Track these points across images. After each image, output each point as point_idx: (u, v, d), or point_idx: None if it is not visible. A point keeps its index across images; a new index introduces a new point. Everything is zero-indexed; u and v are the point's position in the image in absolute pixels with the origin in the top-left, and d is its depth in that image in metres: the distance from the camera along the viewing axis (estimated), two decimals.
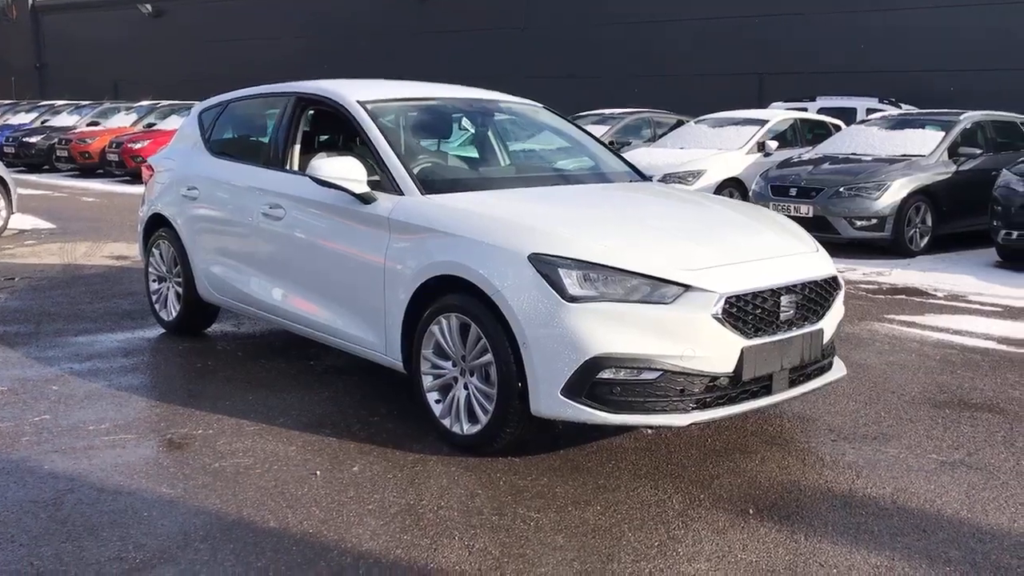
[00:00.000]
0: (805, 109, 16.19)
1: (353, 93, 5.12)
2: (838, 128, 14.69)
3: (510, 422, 3.98)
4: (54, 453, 4.12)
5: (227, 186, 5.66)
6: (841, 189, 10.33)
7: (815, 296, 4.17)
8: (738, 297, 3.85)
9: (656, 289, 3.75)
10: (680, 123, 16.04)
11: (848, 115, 15.84)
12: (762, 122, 13.42)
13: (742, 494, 3.73)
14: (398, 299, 4.37)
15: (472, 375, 4.13)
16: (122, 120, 23.72)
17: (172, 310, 6.24)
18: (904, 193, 10.24)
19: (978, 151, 11.00)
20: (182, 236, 5.99)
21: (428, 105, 5.50)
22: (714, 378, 3.83)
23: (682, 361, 3.75)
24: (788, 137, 13.64)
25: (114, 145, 20.44)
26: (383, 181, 4.62)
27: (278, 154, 5.40)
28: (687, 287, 3.76)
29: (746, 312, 3.87)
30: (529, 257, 3.85)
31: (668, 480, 3.87)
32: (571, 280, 3.77)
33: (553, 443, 4.25)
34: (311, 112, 5.48)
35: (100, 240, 10.85)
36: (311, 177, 4.61)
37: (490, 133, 5.59)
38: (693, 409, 3.81)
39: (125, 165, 19.95)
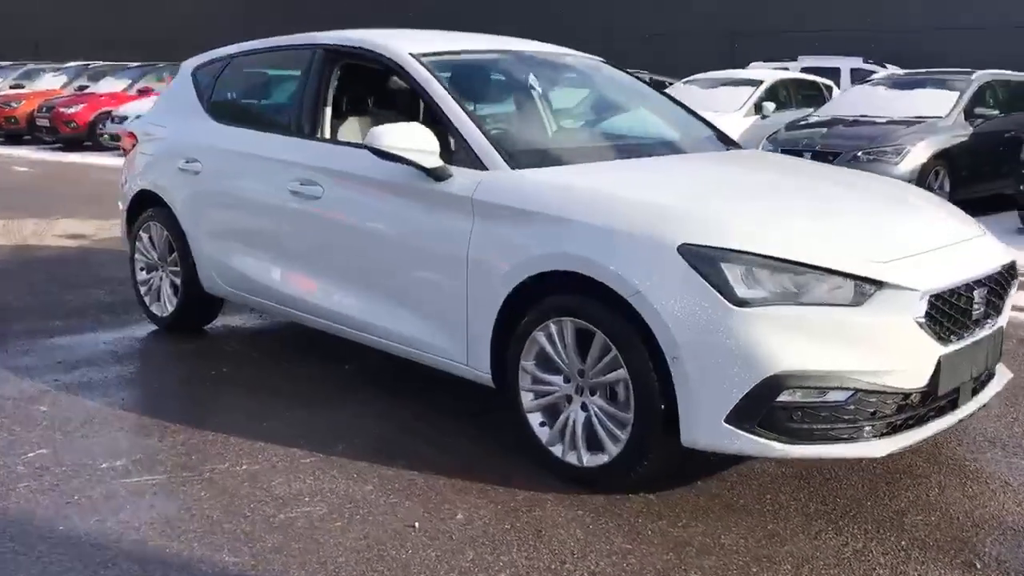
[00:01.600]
0: (787, 69, 15.59)
1: (404, 45, 4.23)
2: (829, 89, 14.14)
3: (649, 454, 3.21)
4: (67, 506, 3.22)
5: (240, 157, 4.73)
6: (859, 154, 9.71)
7: (998, 288, 3.47)
8: (939, 295, 3.12)
9: (846, 288, 2.99)
10: (654, 83, 15.28)
11: (832, 75, 15.31)
12: (756, 83, 12.75)
13: (948, 537, 3.04)
14: (487, 298, 3.55)
15: (594, 394, 3.34)
16: (50, 82, 22.08)
17: (167, 304, 5.29)
18: (925, 157, 9.67)
19: (995, 112, 10.51)
20: (180, 217, 5.04)
21: (492, 59, 4.62)
22: (907, 395, 3.11)
23: (878, 377, 3.01)
24: (781, 98, 13.02)
25: (44, 109, 18.89)
26: (457, 153, 3.76)
27: (306, 120, 4.48)
28: (881, 284, 3.01)
29: (943, 313, 3.15)
30: (679, 249, 3.06)
31: (849, 521, 3.15)
32: (738, 278, 2.99)
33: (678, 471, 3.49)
34: (341, 69, 4.56)
35: (47, 216, 9.69)
36: (371, 148, 3.73)
37: (566, 94, 4.75)
38: (884, 434, 3.08)
39: (57, 131, 18.47)
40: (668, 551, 2.94)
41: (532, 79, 4.58)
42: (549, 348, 3.41)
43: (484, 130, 3.78)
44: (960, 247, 3.39)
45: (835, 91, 14.01)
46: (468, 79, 4.29)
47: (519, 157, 3.72)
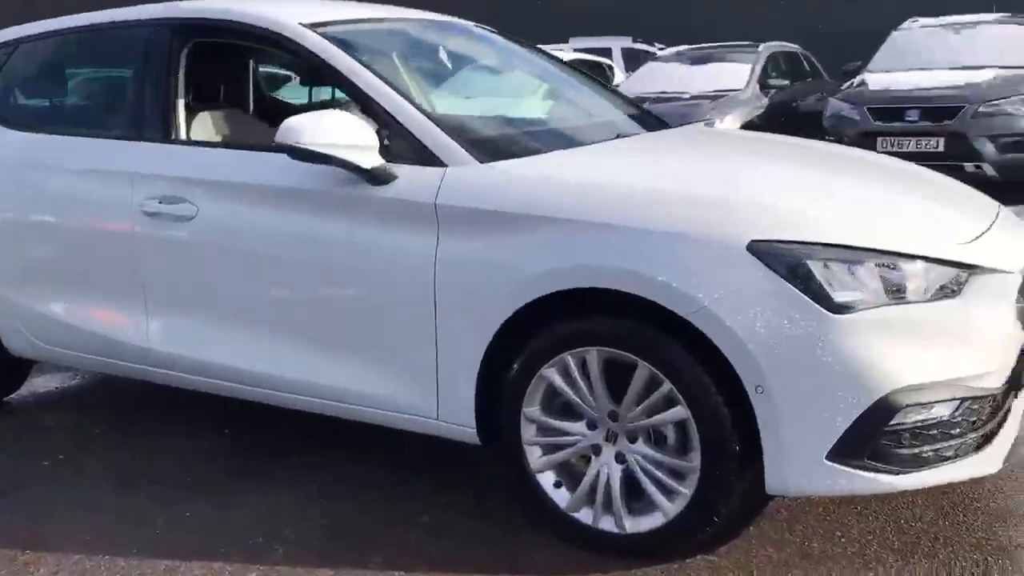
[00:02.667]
0: (560, 51, 15.43)
1: (288, 13, 3.26)
2: (611, 68, 14.09)
3: (722, 509, 2.55)
4: None
5: (58, 173, 3.54)
6: None
7: None
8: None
9: (943, 277, 2.47)
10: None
11: (604, 55, 15.31)
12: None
13: None
14: (469, 332, 2.73)
15: (634, 440, 2.63)
16: None
17: None
18: (734, 129, 9.70)
19: (785, 81, 10.77)
20: None
21: (399, 30, 3.71)
22: (994, 396, 2.65)
23: (982, 380, 2.52)
24: None
25: None
26: (395, 149, 2.89)
27: (152, 118, 3.38)
28: (974, 268, 2.52)
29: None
30: (750, 248, 2.41)
31: (942, 548, 2.66)
32: (832, 279, 2.39)
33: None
34: (195, 50, 3.49)
35: None
36: (286, 147, 2.78)
37: (482, 68, 3.94)
38: (984, 445, 2.60)
39: None
40: None
41: (442, 53, 3.75)
42: (566, 387, 2.65)
43: (433, 116, 2.93)
44: (998, 223, 2.98)
45: (616, 71, 13.97)
46: (384, 55, 3.38)
47: (484, 147, 2.91)
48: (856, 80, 9.73)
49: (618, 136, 3.40)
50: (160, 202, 3.23)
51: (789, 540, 2.75)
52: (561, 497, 2.74)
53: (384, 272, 2.85)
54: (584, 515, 2.71)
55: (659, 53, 12.66)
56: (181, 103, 3.41)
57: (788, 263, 2.38)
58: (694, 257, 2.44)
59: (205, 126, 3.56)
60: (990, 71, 9.14)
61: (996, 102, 8.68)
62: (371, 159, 2.80)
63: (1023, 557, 2.61)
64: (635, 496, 2.65)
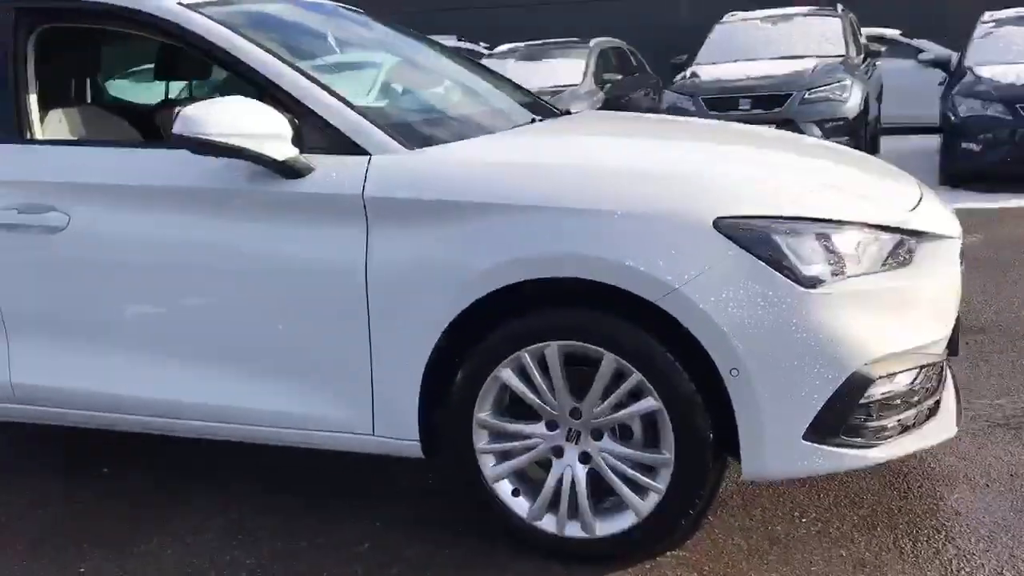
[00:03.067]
0: None
1: None
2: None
3: (697, 499, 2.43)
4: None
5: None
6: None
7: None
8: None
9: (898, 245, 2.44)
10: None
11: None
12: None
13: None
14: (409, 338, 2.47)
15: (599, 437, 2.46)
16: None
17: None
18: None
19: (617, 76, 10.96)
20: None
21: (283, 10, 3.34)
22: (941, 362, 2.66)
23: (936, 346, 2.52)
24: None
25: None
26: (309, 138, 2.58)
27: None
28: (922, 235, 2.51)
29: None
30: (717, 225, 2.29)
31: (926, 524, 2.65)
32: (799, 253, 2.30)
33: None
34: (44, 37, 3.02)
35: None
36: (190, 140, 2.42)
37: (373, 52, 3.63)
38: (935, 411, 2.60)
39: None
40: None
41: (331, 38, 3.43)
42: (523, 387, 2.46)
43: (349, 102, 2.65)
44: (927, 192, 3.01)
45: None
46: (274, 37, 3.03)
47: (408, 133, 2.66)
48: (687, 72, 10.02)
49: (534, 120, 3.23)
50: (19, 212, 2.79)
51: (752, 527, 2.67)
52: (520, 506, 2.54)
53: (305, 277, 2.55)
54: (547, 523, 2.52)
55: (492, 51, 12.61)
56: (34, 98, 2.96)
57: (756, 239, 2.28)
58: (660, 239, 2.30)
59: (62, 123, 3.12)
60: (810, 60, 9.64)
61: (819, 89, 9.15)
62: (285, 149, 2.50)
63: (976, 516, 2.64)
64: (600, 498, 2.49)
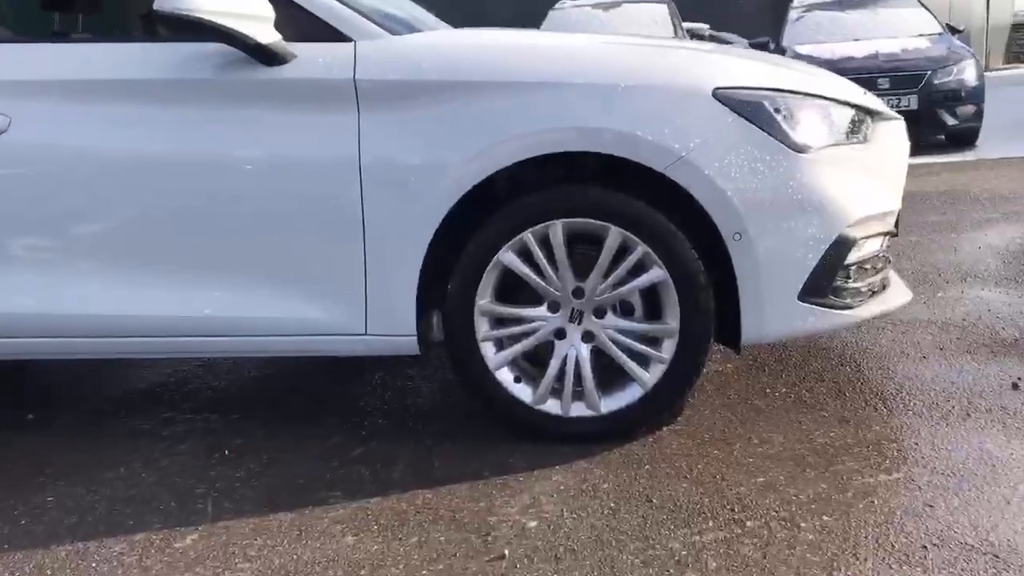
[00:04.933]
0: None
1: None
2: None
3: (702, 366, 2.51)
4: None
5: None
6: None
7: None
8: None
9: (861, 121, 2.62)
10: None
11: None
12: None
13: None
14: (407, 224, 2.42)
15: (601, 315, 2.50)
16: None
17: None
18: None
19: None
20: None
21: None
22: (894, 234, 2.87)
23: (892, 216, 2.72)
24: None
25: None
26: (286, 27, 2.47)
27: None
28: (878, 114, 2.71)
29: None
30: (716, 95, 2.39)
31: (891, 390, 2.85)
32: (788, 122, 2.43)
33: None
34: None
35: None
36: (171, 16, 2.26)
37: None
38: (889, 280, 2.81)
39: None
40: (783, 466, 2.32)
41: None
42: (526, 270, 2.45)
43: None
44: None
45: None
46: None
47: (390, 21, 2.61)
48: None
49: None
50: None
51: (732, 403, 2.78)
52: (524, 392, 2.53)
53: (291, 171, 2.44)
54: (552, 406, 2.53)
55: None
56: None
57: (752, 108, 2.40)
58: (665, 109, 2.37)
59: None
60: None
61: None
62: (268, 32, 2.39)
63: (929, 378, 2.87)
64: (608, 374, 2.52)
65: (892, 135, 2.73)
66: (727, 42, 13.20)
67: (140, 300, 2.54)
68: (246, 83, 2.44)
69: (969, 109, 8.78)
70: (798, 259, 2.43)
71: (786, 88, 2.48)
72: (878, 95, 8.67)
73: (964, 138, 8.91)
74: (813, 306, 2.47)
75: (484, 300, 2.49)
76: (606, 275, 2.45)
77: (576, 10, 11.09)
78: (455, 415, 2.80)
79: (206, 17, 2.28)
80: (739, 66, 2.55)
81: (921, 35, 9.46)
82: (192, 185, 2.47)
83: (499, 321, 2.52)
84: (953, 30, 10.00)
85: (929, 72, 8.72)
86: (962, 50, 9.23)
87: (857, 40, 9.46)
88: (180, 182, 2.48)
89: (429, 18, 3.27)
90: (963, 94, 8.77)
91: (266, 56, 2.41)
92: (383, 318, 2.50)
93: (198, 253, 2.51)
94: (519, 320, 2.51)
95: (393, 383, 3.10)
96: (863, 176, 2.56)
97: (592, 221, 2.42)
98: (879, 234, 2.63)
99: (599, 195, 2.42)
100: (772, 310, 2.44)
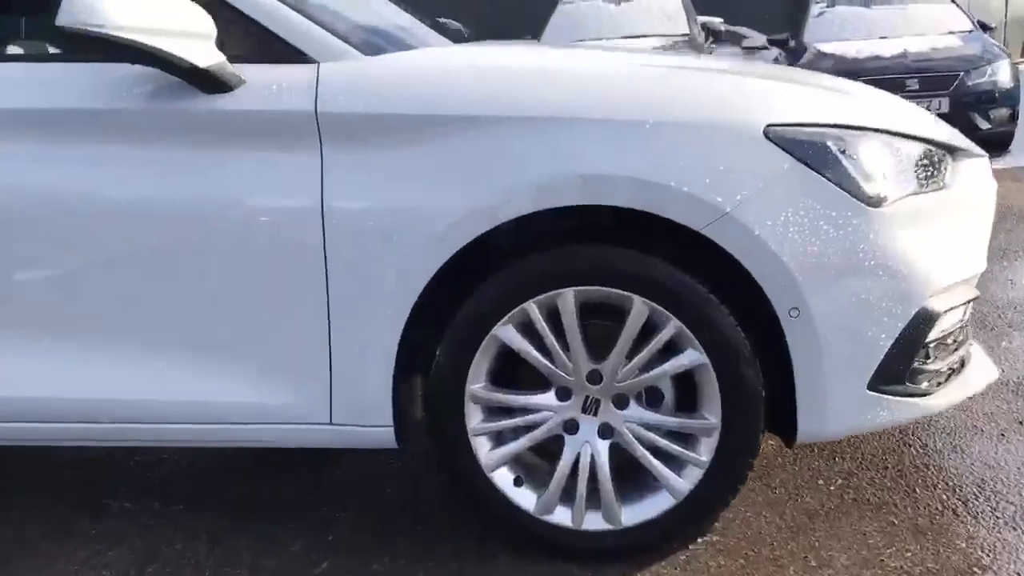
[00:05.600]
0: None
1: None
2: None
3: (747, 471, 2.02)
4: None
5: None
6: None
7: None
8: None
9: (940, 162, 2.12)
10: None
11: None
12: None
13: None
14: (384, 292, 1.93)
15: (623, 405, 2.01)
16: None
17: None
18: None
19: None
20: None
21: None
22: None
23: (977, 277, 2.23)
24: None
25: None
26: (234, 44, 1.98)
27: None
28: (961, 152, 2.21)
29: None
30: (769, 133, 1.89)
31: (966, 473, 2.36)
32: (862, 166, 1.94)
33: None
34: None
35: None
36: (78, 33, 1.77)
37: None
38: (970, 352, 2.31)
39: None
40: None
41: None
42: (529, 348, 1.96)
43: (291, 2, 2.05)
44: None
45: None
46: None
47: (361, 38, 2.11)
48: None
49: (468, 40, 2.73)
50: None
51: (778, 500, 2.30)
52: (526, 498, 2.05)
53: (239, 220, 1.95)
54: (561, 515, 2.04)
55: None
56: None
57: (814, 150, 1.90)
58: (704, 152, 1.87)
59: None
60: (656, 40, 9.55)
61: None
62: (208, 53, 1.90)
63: (1012, 465, 2.38)
64: (629, 478, 2.04)
65: (977, 177, 2.23)
66: (743, 36, 12.70)
67: (54, 380, 2.06)
68: (181, 115, 1.95)
69: (1004, 112, 8.24)
70: (869, 340, 1.93)
71: (854, 123, 1.99)
72: (906, 97, 8.49)
73: (998, 143, 8.35)
74: (885, 396, 1.98)
75: (477, 385, 2.00)
76: (629, 356, 1.96)
77: (586, 4, 10.56)
78: (440, 516, 2.32)
79: (121, 35, 1.79)
80: (796, 96, 2.05)
81: (951, 33, 8.92)
82: (108, 241, 1.98)
83: (496, 410, 2.04)
84: (984, 27, 9.46)
85: (962, 73, 8.18)
86: (995, 49, 8.68)
87: (884, 38, 8.92)
88: (92, 236, 1.98)
89: (421, 30, 2.75)
90: (997, 96, 8.23)
91: (205, 82, 1.91)
92: (351, 405, 2.01)
93: (118, 324, 2.02)
94: (522, 410, 2.03)
95: (364, 469, 2.62)
96: (947, 232, 2.06)
97: (612, 290, 1.93)
98: (964, 303, 2.13)
99: (620, 257, 1.92)
100: (836, 402, 1.94)
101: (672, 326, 1.92)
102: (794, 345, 1.91)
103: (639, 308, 1.92)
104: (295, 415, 2.04)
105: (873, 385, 1.96)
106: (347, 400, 2.01)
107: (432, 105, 1.92)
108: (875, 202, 1.91)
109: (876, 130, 1.99)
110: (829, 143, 1.91)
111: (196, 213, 1.95)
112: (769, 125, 1.89)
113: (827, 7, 9.86)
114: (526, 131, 1.89)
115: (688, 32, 9.82)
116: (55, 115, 1.99)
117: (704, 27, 11.57)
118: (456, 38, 2.89)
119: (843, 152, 1.91)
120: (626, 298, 1.92)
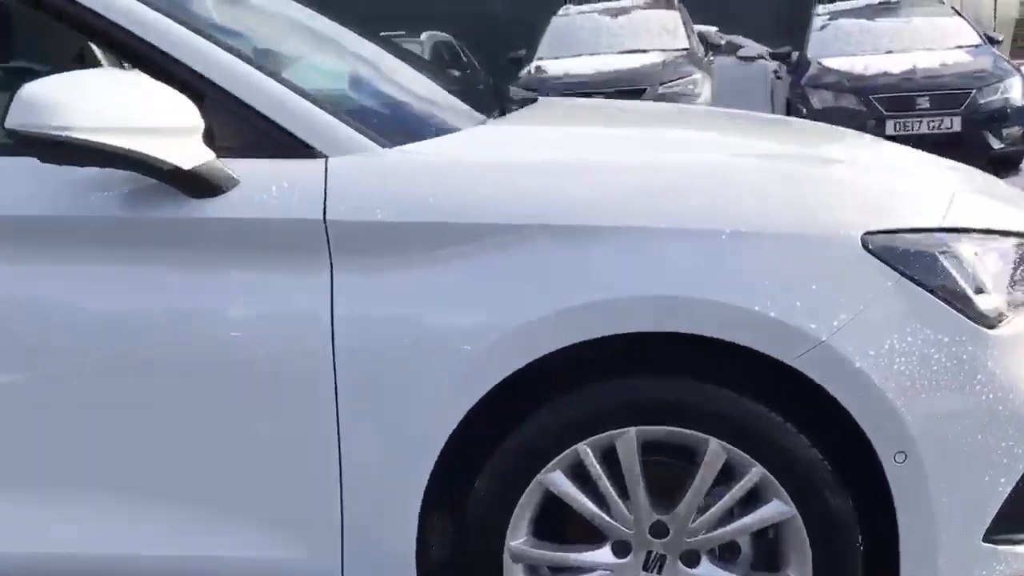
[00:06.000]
0: None
1: None
2: None
3: None
4: None
5: None
6: None
7: None
8: None
9: None
10: None
11: None
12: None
13: None
14: (404, 434, 1.60)
15: (694, 562, 1.68)
16: None
17: None
18: None
19: (456, 72, 10.19)
20: None
21: None
22: None
23: None
24: None
25: None
26: (225, 136, 1.64)
27: None
28: None
29: None
30: (867, 243, 1.58)
31: None
32: (976, 278, 1.63)
33: None
34: None
35: None
36: (32, 138, 1.44)
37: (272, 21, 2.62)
38: None
39: None
40: None
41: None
42: (581, 497, 1.65)
43: (282, 79, 1.72)
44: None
45: None
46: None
47: (379, 124, 1.78)
48: (532, 67, 9.39)
49: (505, 111, 2.35)
50: None
51: None
52: None
53: (234, 348, 1.62)
54: None
55: None
56: None
57: (924, 263, 1.59)
58: (792, 269, 1.56)
59: None
60: (656, 54, 9.26)
61: (671, 84, 8.79)
62: (193, 150, 1.57)
63: None
64: None
65: None
66: (740, 46, 12.44)
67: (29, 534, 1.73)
68: (165, 223, 1.61)
69: (1016, 131, 7.98)
70: (986, 485, 1.62)
71: (962, 225, 1.68)
72: (917, 116, 8.20)
73: (1009, 162, 8.10)
74: (1000, 547, 1.67)
75: (518, 540, 1.68)
76: (703, 507, 1.65)
77: (581, 17, 10.27)
78: None
79: (90, 139, 1.46)
80: (901, 195, 1.74)
81: (959, 47, 8.66)
82: (75, 378, 1.65)
83: (539, 569, 1.72)
84: (992, 40, 9.22)
85: (974, 91, 7.91)
86: (1006, 65, 8.44)
87: (890, 52, 8.65)
88: (59, 371, 1.65)
89: (449, 101, 2.23)
90: (1009, 114, 7.97)
91: (191, 185, 1.58)
92: (367, 561, 1.69)
93: (94, 470, 1.69)
94: (574, 568, 1.71)
95: None
96: None
97: (682, 430, 1.61)
98: None
99: (694, 391, 1.61)
100: (947, 557, 1.63)
101: (755, 473, 1.61)
102: (899, 494, 1.59)
103: (716, 451, 1.60)
104: (302, 570, 1.71)
105: (989, 536, 1.65)
106: (362, 554, 1.69)
107: (468, 211, 1.59)
108: (991, 322, 1.60)
109: (987, 231, 1.68)
110: (939, 254, 1.60)
111: (181, 344, 1.62)
112: (867, 233, 1.58)
113: (829, 20, 9.58)
114: (578, 243, 1.58)
115: (688, 47, 9.52)
116: (16, 222, 1.65)
117: (701, 38, 11.28)
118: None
119: (956, 263, 1.61)
120: (700, 439, 1.61)
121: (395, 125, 1.83)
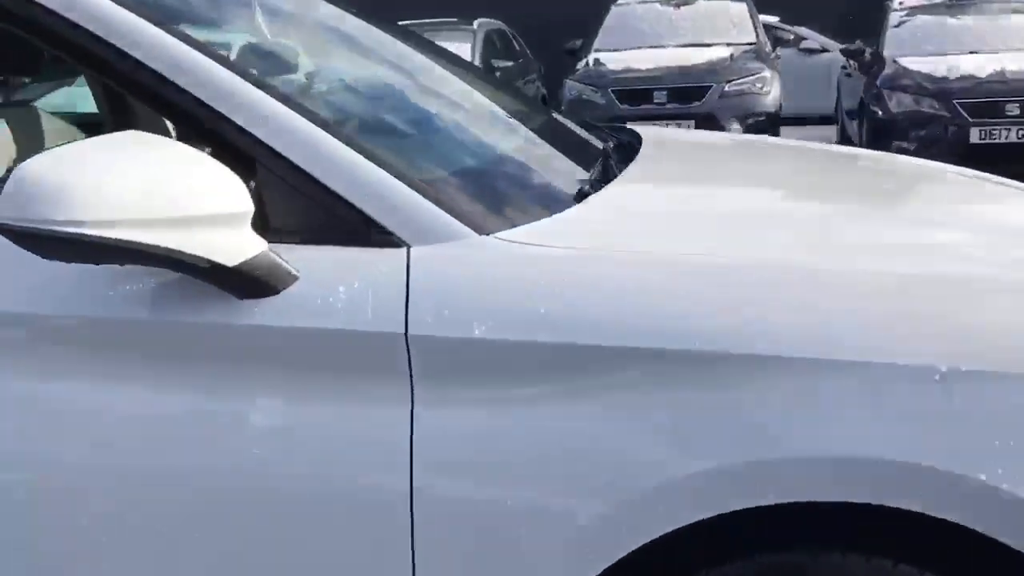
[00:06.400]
0: None
1: None
2: None
3: None
4: None
5: None
6: None
7: None
8: None
9: None
10: None
11: None
12: None
13: None
14: None
15: None
16: None
17: None
18: None
19: (508, 63, 9.82)
20: None
21: None
22: None
23: None
24: None
25: None
26: (282, 215, 1.29)
27: None
28: None
29: None
30: None
31: None
32: None
33: None
34: None
35: None
36: (31, 235, 1.10)
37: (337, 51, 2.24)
38: None
39: None
40: None
41: (259, 15, 2.05)
42: None
43: (358, 145, 1.34)
44: None
45: None
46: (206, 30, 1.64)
47: (476, 204, 1.38)
48: (590, 60, 8.98)
49: (608, 160, 1.94)
50: None
51: None
52: None
53: (281, 499, 1.25)
54: None
55: None
56: None
57: None
58: (996, 412, 1.17)
59: None
60: (722, 48, 8.80)
61: (738, 82, 8.33)
62: (242, 242, 1.20)
63: None
64: None
65: None
66: (803, 38, 11.89)
67: None
68: (205, 329, 1.25)
69: None
70: None
71: None
72: (1006, 123, 7.65)
73: None
74: None
75: None
76: None
77: (641, 7, 9.78)
78: None
79: (107, 235, 1.10)
80: None
81: None
82: (90, 516, 1.30)
83: None
84: None
85: None
86: None
87: (974, 52, 8.10)
88: (72, 512, 1.31)
89: (558, 157, 1.82)
90: None
91: (237, 284, 1.23)
92: None
93: None
94: None
95: None
96: None
97: None
98: None
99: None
100: None
101: None
102: None
103: None
104: None
105: None
106: None
107: (594, 330, 1.21)
108: None
109: None
110: None
111: (217, 486, 1.26)
112: None
113: (908, 16, 9.02)
114: (755, 377, 1.19)
115: (755, 41, 9.03)
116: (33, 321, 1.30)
117: (766, 31, 10.73)
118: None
119: None
120: None
121: (494, 201, 1.44)
